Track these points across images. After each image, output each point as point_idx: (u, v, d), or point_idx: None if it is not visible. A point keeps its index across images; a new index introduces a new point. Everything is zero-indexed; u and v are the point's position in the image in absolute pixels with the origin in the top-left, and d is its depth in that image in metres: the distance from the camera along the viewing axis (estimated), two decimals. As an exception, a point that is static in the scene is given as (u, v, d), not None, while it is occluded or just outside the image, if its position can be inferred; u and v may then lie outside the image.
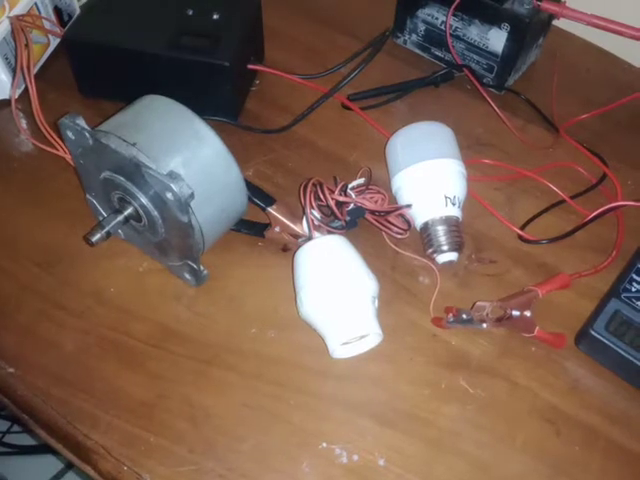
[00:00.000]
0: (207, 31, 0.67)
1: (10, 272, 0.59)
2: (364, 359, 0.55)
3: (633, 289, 0.56)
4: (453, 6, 0.73)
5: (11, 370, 0.53)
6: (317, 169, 0.67)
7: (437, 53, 0.79)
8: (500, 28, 0.71)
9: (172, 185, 0.47)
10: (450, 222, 0.60)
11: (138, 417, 0.51)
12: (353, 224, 0.60)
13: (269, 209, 0.60)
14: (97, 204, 0.59)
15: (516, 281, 0.60)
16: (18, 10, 0.69)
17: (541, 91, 0.77)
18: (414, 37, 0.80)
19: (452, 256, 0.60)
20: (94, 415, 0.51)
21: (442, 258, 0.60)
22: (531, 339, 0.56)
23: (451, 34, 0.76)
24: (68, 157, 0.64)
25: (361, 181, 0.61)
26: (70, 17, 0.78)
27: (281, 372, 0.54)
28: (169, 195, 0.48)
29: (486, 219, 0.65)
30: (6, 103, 0.71)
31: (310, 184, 0.59)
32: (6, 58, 0.70)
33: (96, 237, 0.53)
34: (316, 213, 0.59)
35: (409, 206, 0.61)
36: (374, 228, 0.61)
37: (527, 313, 0.55)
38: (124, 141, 0.50)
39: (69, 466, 1.21)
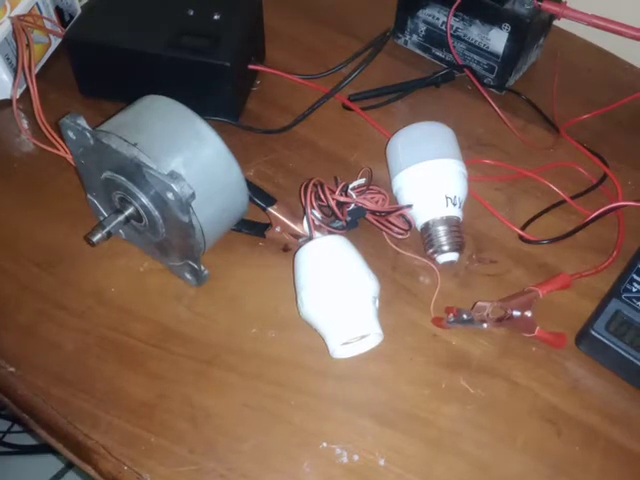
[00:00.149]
0: (208, 31, 0.67)
1: (11, 272, 0.59)
2: (364, 359, 0.55)
3: (634, 289, 0.56)
4: (454, 6, 0.73)
5: (12, 370, 0.53)
6: (318, 169, 0.67)
7: (438, 53, 0.79)
8: (501, 28, 0.71)
9: (173, 185, 0.47)
10: (451, 222, 0.60)
11: (139, 417, 0.51)
12: (354, 224, 0.60)
13: (270, 209, 0.60)
14: (98, 204, 0.59)
15: (517, 281, 0.60)
16: (19, 10, 0.70)
17: (542, 91, 0.77)
18: (415, 37, 0.80)
19: (453, 256, 0.60)
20: (94, 415, 0.51)
21: (443, 258, 0.60)
22: (531, 339, 0.56)
23: (452, 34, 0.76)
24: (69, 157, 0.64)
25: (362, 181, 0.61)
26: (71, 17, 0.78)
27: (282, 372, 0.54)
28: (170, 195, 0.48)
29: (487, 219, 0.65)
30: (7, 103, 0.71)
31: (311, 184, 0.59)
32: (7, 58, 0.70)
33: (97, 237, 0.53)
34: (317, 213, 0.59)
35: (410, 206, 0.61)
36: (375, 228, 0.61)
37: (528, 313, 0.55)
38: (125, 141, 0.50)
39: (69, 466, 1.21)
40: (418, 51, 0.81)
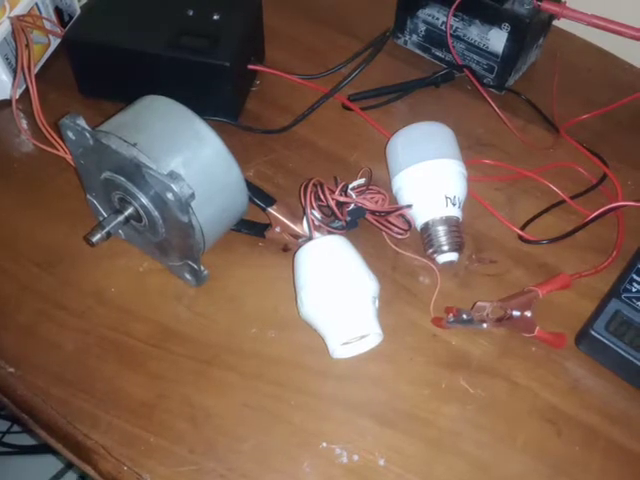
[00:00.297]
0: (207, 31, 0.67)
1: (10, 272, 0.59)
2: (364, 359, 0.55)
3: (633, 289, 0.56)
4: (453, 6, 0.73)
5: (11, 370, 0.53)
6: (317, 169, 0.67)
7: (437, 53, 0.79)
8: (500, 28, 0.71)
9: (173, 185, 0.47)
10: (450, 222, 0.60)
11: (138, 417, 0.51)
12: (353, 224, 0.60)
13: (269, 209, 0.60)
14: (97, 204, 0.59)
15: (516, 281, 0.60)
16: (19, 10, 0.70)
17: (541, 91, 0.77)
18: (414, 37, 0.80)
19: (452, 256, 0.60)
20: (94, 415, 0.51)
21: (442, 258, 0.60)
22: (531, 339, 0.56)
23: (451, 34, 0.76)
24: (69, 157, 0.64)
25: (361, 181, 0.61)
26: (71, 17, 0.78)
27: (281, 372, 0.54)
28: (170, 195, 0.48)
29: (486, 219, 0.65)
30: (7, 103, 0.71)
31: (310, 184, 0.59)
32: (7, 58, 0.70)
33: (96, 237, 0.53)
34: (316, 213, 0.59)
35: (409, 206, 0.61)
36: (374, 228, 0.61)
37: (527, 313, 0.55)
38: (125, 141, 0.50)
39: (69, 466, 1.21)
40: (418, 51, 0.81)
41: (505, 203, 0.67)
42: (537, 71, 0.80)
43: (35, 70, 0.70)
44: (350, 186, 0.60)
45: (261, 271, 0.60)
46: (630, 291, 0.56)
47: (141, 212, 0.53)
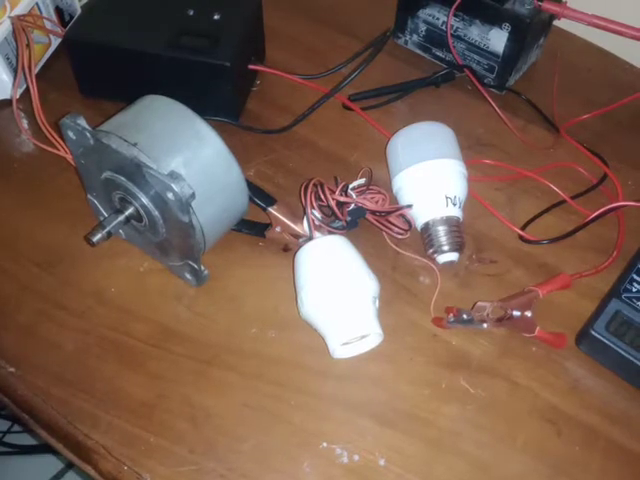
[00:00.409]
0: (208, 31, 0.67)
1: (11, 272, 0.59)
2: (364, 359, 0.55)
3: (634, 289, 0.56)
4: (454, 6, 0.73)
5: (11, 370, 0.53)
6: (318, 169, 0.67)
7: (438, 53, 0.79)
8: (501, 28, 0.71)
9: (173, 185, 0.47)
10: (451, 222, 0.60)
11: (138, 417, 0.51)
12: (354, 224, 0.60)
13: (270, 209, 0.60)
14: (98, 204, 0.59)
15: (517, 281, 0.60)
16: (19, 10, 0.70)
17: (542, 91, 0.77)
18: (415, 37, 0.80)
19: (453, 256, 0.60)
20: (94, 415, 0.51)
21: (443, 258, 0.60)
22: (532, 339, 0.56)
23: (452, 34, 0.76)
24: (69, 157, 0.64)
25: (362, 181, 0.61)
26: (71, 17, 0.78)
27: (281, 372, 0.54)
28: (170, 195, 0.48)
29: (487, 219, 0.65)
30: (7, 103, 0.71)
31: (311, 184, 0.59)
32: (7, 58, 0.70)
33: (97, 237, 0.53)
34: (317, 213, 0.59)
35: (410, 206, 0.61)
36: (375, 228, 0.61)
37: (528, 313, 0.55)
38: (125, 141, 0.50)
39: (69, 466, 1.21)
40: (418, 51, 0.81)
41: (505, 203, 0.67)
42: (537, 71, 0.80)
43: (36, 70, 0.70)
44: (350, 186, 0.60)
45: (261, 271, 0.60)
46: (630, 291, 0.56)
47: (141, 212, 0.53)
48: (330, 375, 0.54)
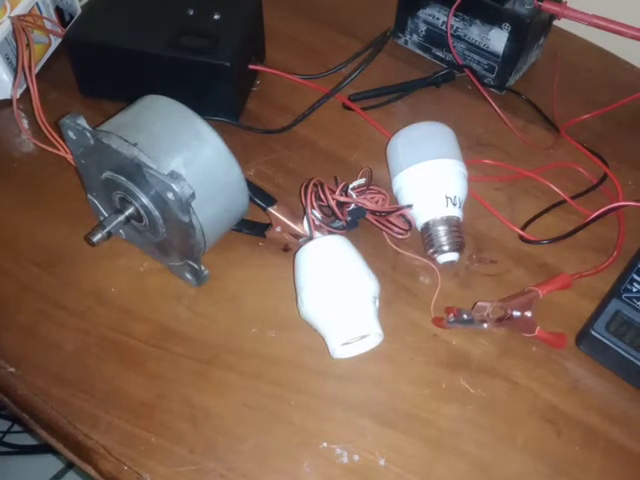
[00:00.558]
0: (208, 31, 0.67)
1: (11, 272, 0.59)
2: (364, 359, 0.55)
3: (634, 289, 0.56)
4: (454, 6, 0.73)
5: (12, 370, 0.53)
6: (318, 169, 0.67)
7: (438, 53, 0.79)
8: (501, 28, 0.71)
9: (173, 185, 0.47)
10: (451, 222, 0.60)
11: (138, 417, 0.51)
12: (354, 224, 0.60)
13: (270, 209, 0.60)
14: (98, 204, 0.59)
15: (517, 281, 0.60)
16: (19, 10, 0.70)
17: (542, 91, 0.77)
18: (415, 37, 0.80)
19: (453, 256, 0.60)
20: (94, 415, 0.51)
21: (443, 258, 0.60)
22: (532, 339, 0.56)
23: (452, 34, 0.76)
24: (69, 157, 0.64)
25: (362, 181, 0.61)
26: (71, 17, 0.78)
27: (281, 372, 0.54)
28: (170, 195, 0.48)
29: (487, 219, 0.65)
30: (7, 103, 0.71)
31: (311, 184, 0.59)
32: (7, 58, 0.70)
33: (97, 237, 0.53)
34: (317, 213, 0.59)
35: (410, 206, 0.61)
36: (375, 228, 0.61)
37: (528, 313, 0.55)
38: (125, 141, 0.50)
39: (69, 466, 1.21)
40: (418, 51, 0.81)
41: (505, 203, 0.67)
42: (537, 71, 0.80)
43: (36, 70, 0.70)
44: (350, 186, 0.60)
45: (261, 271, 0.60)
46: (631, 291, 0.56)
47: (142, 212, 0.53)
48: (330, 375, 0.54)
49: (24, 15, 0.70)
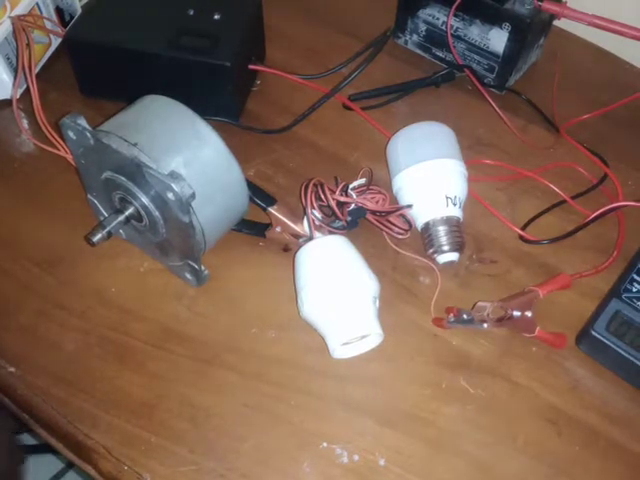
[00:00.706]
0: (208, 31, 0.67)
1: (11, 272, 0.59)
2: (365, 359, 0.55)
3: (634, 289, 0.56)
4: (454, 6, 0.73)
5: (12, 369, 0.53)
6: (318, 169, 0.67)
7: (438, 53, 0.79)
8: (501, 28, 0.71)
9: (173, 185, 0.47)
10: (451, 222, 0.60)
11: (138, 417, 0.51)
12: (354, 224, 0.60)
13: (270, 209, 0.60)
14: (98, 204, 0.59)
15: (517, 281, 0.60)
16: (20, 10, 0.70)
17: (542, 91, 0.77)
18: (415, 37, 0.80)
19: (453, 256, 0.60)
20: (94, 415, 0.51)
21: (443, 258, 0.60)
22: (532, 339, 0.56)
23: (452, 34, 0.76)
24: (69, 157, 0.64)
25: (362, 181, 0.61)
26: (71, 17, 0.78)
27: (282, 372, 0.54)
28: (170, 195, 0.48)
29: (487, 219, 0.65)
30: (7, 103, 0.71)
31: (311, 184, 0.59)
32: (7, 58, 0.70)
33: (97, 237, 0.53)
34: (317, 213, 0.59)
35: (410, 206, 0.61)
36: (375, 228, 0.61)
37: (528, 313, 0.55)
38: (125, 141, 0.50)
39: (69, 466, 1.21)
40: (418, 51, 0.81)
41: (506, 203, 0.67)
42: (537, 71, 0.80)
43: (36, 70, 0.70)
44: (350, 186, 0.60)
45: (262, 271, 0.60)
46: (631, 291, 0.56)
47: (142, 212, 0.53)
48: (330, 375, 0.54)
49: (24, 15, 0.70)
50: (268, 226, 0.61)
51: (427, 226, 0.60)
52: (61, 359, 0.54)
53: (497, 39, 0.73)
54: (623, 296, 0.55)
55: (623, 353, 0.53)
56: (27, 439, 1.18)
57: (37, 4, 0.72)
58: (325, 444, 0.51)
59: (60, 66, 0.74)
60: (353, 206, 0.59)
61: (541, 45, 0.79)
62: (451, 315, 0.56)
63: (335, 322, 0.52)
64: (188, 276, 0.57)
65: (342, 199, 0.59)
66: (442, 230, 0.59)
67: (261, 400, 0.53)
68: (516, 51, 0.73)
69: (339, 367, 0.54)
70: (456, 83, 0.77)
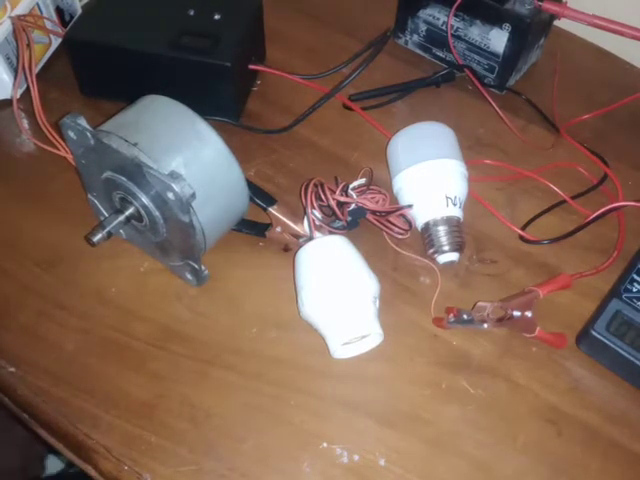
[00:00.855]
0: (208, 31, 0.67)
1: (11, 272, 0.59)
2: (365, 359, 0.55)
3: (634, 289, 0.56)
4: (454, 6, 0.73)
5: (12, 370, 0.53)
6: (318, 169, 0.67)
7: (438, 53, 0.79)
8: (501, 28, 0.71)
9: (173, 185, 0.47)
10: (451, 222, 0.60)
11: (139, 417, 0.51)
12: (354, 224, 0.61)
13: (270, 209, 0.60)
14: (98, 204, 0.59)
15: (517, 281, 0.60)
16: (20, 10, 0.70)
17: (542, 91, 0.77)
18: (415, 37, 0.80)
19: (453, 256, 0.60)
20: (95, 415, 0.51)
21: (443, 258, 0.60)
22: (532, 339, 0.56)
23: (452, 34, 0.76)
24: (69, 157, 0.64)
25: (362, 181, 0.61)
26: (72, 17, 0.78)
27: (282, 372, 0.54)
28: (170, 195, 0.48)
29: (487, 219, 0.65)
30: (7, 103, 0.71)
31: (311, 184, 0.59)
32: (8, 58, 0.70)
33: (97, 237, 0.53)
34: (317, 213, 0.59)
35: (410, 206, 0.61)
36: (375, 228, 0.61)
37: (528, 313, 0.55)
38: (125, 141, 0.50)
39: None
40: (418, 51, 0.81)
41: (506, 203, 0.67)
42: (538, 71, 0.80)
43: (36, 70, 0.69)
44: (351, 186, 0.60)
45: (262, 271, 0.60)
46: (631, 291, 0.56)
47: (142, 212, 0.53)
48: (330, 375, 0.54)
49: (24, 15, 0.70)
50: (268, 226, 0.61)
51: (427, 226, 0.60)
52: (61, 359, 0.54)
53: (497, 39, 0.73)
54: (623, 296, 0.55)
55: (623, 353, 0.53)
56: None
57: (37, 4, 0.72)
58: (325, 444, 0.51)
59: (60, 66, 0.74)
60: (353, 206, 0.59)
61: (541, 45, 0.79)
62: (451, 315, 0.56)
63: (335, 322, 0.52)
64: (188, 276, 0.57)
65: (342, 199, 0.59)
66: (442, 230, 0.59)
67: (261, 400, 0.53)
68: (516, 51, 0.73)
69: (339, 367, 0.54)
70: (456, 83, 0.77)
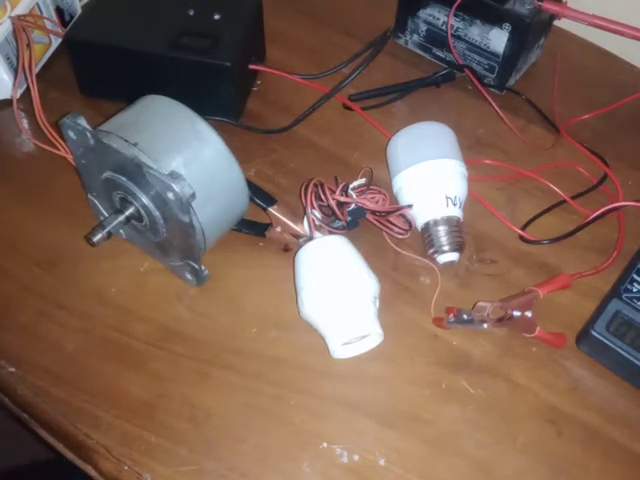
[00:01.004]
0: (208, 31, 0.67)
1: (11, 272, 0.59)
2: (365, 359, 0.55)
3: (634, 289, 0.56)
4: (454, 6, 0.73)
5: (12, 370, 0.53)
6: (318, 169, 0.67)
7: (438, 53, 0.79)
8: (501, 28, 0.71)
9: (173, 185, 0.47)
10: (451, 222, 0.60)
11: (139, 417, 0.51)
12: (354, 224, 0.61)
13: (270, 209, 0.60)
14: (98, 204, 0.59)
15: (517, 281, 0.60)
16: (20, 10, 0.70)
17: (542, 91, 0.77)
18: (415, 37, 0.80)
19: (453, 256, 0.60)
20: (95, 415, 0.51)
21: (443, 258, 0.60)
22: (532, 339, 0.56)
23: (452, 34, 0.76)
24: (69, 157, 0.64)
25: (362, 181, 0.61)
26: (72, 17, 0.78)
27: (282, 372, 0.54)
28: (170, 195, 0.48)
29: (487, 219, 0.65)
30: (7, 103, 0.71)
31: (311, 184, 0.59)
32: (8, 58, 0.70)
33: (97, 237, 0.53)
34: (317, 213, 0.59)
35: (410, 206, 0.61)
36: (375, 228, 0.61)
37: (528, 313, 0.55)
38: (125, 141, 0.50)
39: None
40: (418, 51, 0.81)
41: (506, 203, 0.67)
42: (538, 71, 0.80)
43: (36, 70, 0.69)
44: (351, 186, 0.60)
45: (262, 271, 0.60)
46: (631, 291, 0.56)
47: (142, 212, 0.53)
48: (330, 375, 0.54)
49: (24, 15, 0.70)
50: (268, 226, 0.61)
51: (427, 226, 0.60)
52: (61, 359, 0.54)
53: (497, 39, 0.73)
54: (623, 296, 0.55)
55: (623, 353, 0.53)
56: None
57: (37, 4, 0.72)
58: (325, 444, 0.51)
59: (60, 66, 0.74)
60: (353, 206, 0.59)
61: (541, 45, 0.79)
62: (451, 315, 0.56)
63: (335, 322, 0.52)
64: (188, 276, 0.57)
65: (342, 199, 0.59)
66: (442, 230, 0.59)
67: (261, 400, 0.53)
68: (516, 51, 0.73)
69: (339, 367, 0.54)
70: (456, 83, 0.77)
